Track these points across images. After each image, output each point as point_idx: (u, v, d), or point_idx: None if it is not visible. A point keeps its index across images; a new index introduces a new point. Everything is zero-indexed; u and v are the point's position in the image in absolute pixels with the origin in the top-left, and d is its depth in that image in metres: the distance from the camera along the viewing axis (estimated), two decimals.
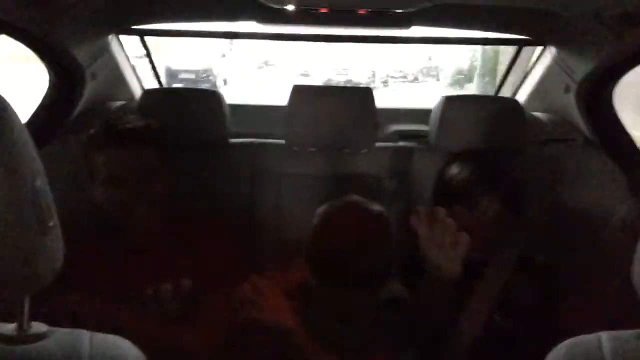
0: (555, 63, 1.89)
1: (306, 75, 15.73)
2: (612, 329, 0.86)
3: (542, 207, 1.64)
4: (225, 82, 14.40)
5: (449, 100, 1.68)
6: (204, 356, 1.28)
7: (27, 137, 0.68)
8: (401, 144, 1.79)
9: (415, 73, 16.65)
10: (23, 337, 0.72)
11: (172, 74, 13.04)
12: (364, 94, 1.69)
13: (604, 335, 0.84)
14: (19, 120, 0.66)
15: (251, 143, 1.74)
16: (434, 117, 1.71)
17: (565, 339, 0.85)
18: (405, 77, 16.47)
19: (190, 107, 1.66)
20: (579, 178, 1.66)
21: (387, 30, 1.93)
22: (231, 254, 1.42)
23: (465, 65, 14.97)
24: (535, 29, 1.79)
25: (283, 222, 1.65)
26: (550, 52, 1.90)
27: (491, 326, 1.39)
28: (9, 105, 0.64)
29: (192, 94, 1.76)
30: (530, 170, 1.67)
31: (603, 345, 0.82)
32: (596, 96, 1.77)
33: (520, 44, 2.02)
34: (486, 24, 1.84)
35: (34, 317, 0.74)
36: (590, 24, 1.49)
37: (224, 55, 15.14)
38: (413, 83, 16.18)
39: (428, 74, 16.78)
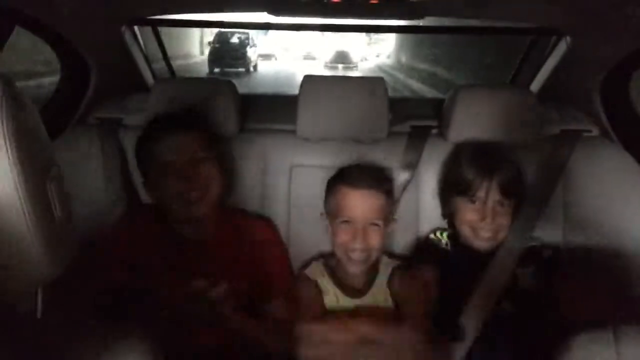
0: (571, 53, 1.86)
1: (313, 58, 25.17)
2: (618, 321, 0.86)
3: (554, 199, 1.62)
4: (255, 67, 18.45)
5: (461, 91, 1.67)
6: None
7: (41, 127, 0.68)
8: (413, 134, 1.77)
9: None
10: (37, 327, 0.73)
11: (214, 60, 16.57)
12: (377, 84, 1.67)
13: (616, 330, 0.83)
14: (35, 110, 0.67)
15: (263, 133, 1.74)
16: (446, 108, 1.69)
17: (571, 330, 0.85)
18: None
19: (202, 97, 1.66)
20: (593, 170, 1.64)
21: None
22: None
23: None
24: (551, 18, 1.77)
25: (293, 213, 1.65)
26: (566, 42, 1.87)
27: (499, 313, 1.40)
28: (24, 95, 0.64)
29: (203, 84, 1.76)
30: (544, 162, 1.65)
31: (615, 339, 0.81)
32: (613, 87, 1.74)
33: (536, 34, 1.99)
34: (501, 13, 1.82)
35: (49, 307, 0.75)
36: (607, 12, 1.47)
37: (254, 45, 18.76)
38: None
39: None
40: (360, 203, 1.35)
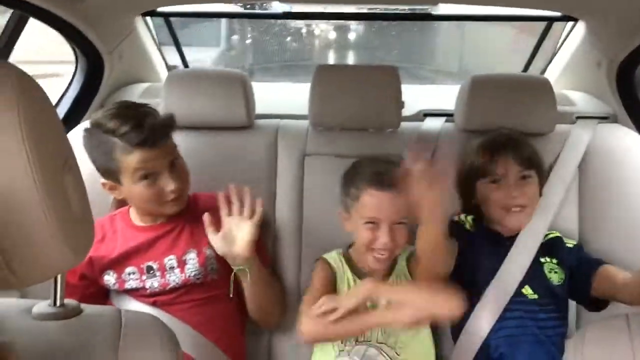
0: (587, 39, 1.83)
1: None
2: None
3: (571, 185, 1.61)
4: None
5: (476, 79, 1.65)
6: None
7: (56, 119, 0.69)
8: (426, 124, 1.76)
9: None
10: (58, 313, 0.75)
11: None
12: (389, 73, 1.67)
13: (630, 313, 0.83)
14: (49, 102, 0.67)
15: (275, 124, 1.74)
16: (460, 96, 1.68)
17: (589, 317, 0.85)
18: None
19: (215, 90, 1.67)
20: (610, 156, 1.62)
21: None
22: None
23: None
24: (566, 4, 1.74)
25: (306, 202, 1.65)
26: (582, 28, 1.85)
27: (520, 298, 1.40)
28: (39, 87, 0.65)
29: (216, 75, 1.76)
30: (560, 149, 1.64)
31: (626, 325, 0.81)
32: (628, 72, 1.72)
33: (551, 20, 1.97)
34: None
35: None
36: None
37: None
38: None
39: None
40: (386, 205, 1.32)
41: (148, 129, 1.29)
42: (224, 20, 4.64)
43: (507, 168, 1.43)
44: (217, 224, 1.40)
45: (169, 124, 1.38)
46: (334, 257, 1.46)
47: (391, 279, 1.41)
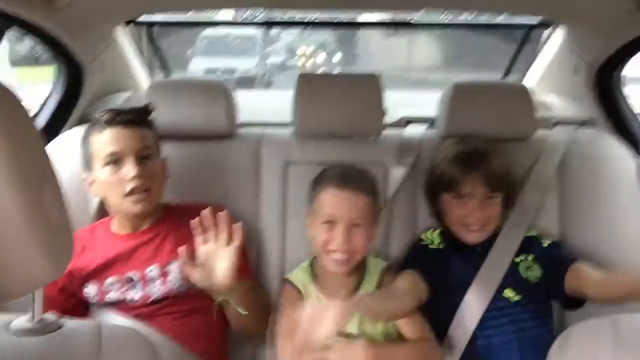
0: (566, 44, 1.86)
1: None
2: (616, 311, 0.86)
3: (550, 190, 1.62)
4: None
5: (457, 86, 1.67)
6: None
7: (35, 130, 0.68)
8: (409, 130, 1.77)
9: None
10: (37, 329, 0.73)
11: None
12: (372, 81, 1.68)
13: (612, 318, 0.83)
14: (27, 114, 0.67)
15: (258, 133, 1.74)
16: (442, 103, 1.70)
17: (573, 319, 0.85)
18: None
19: (196, 99, 1.66)
20: (588, 161, 1.64)
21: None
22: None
23: None
24: (545, 10, 1.77)
25: (289, 212, 1.64)
26: (560, 33, 1.87)
27: (501, 301, 1.41)
28: (17, 98, 0.64)
29: (198, 86, 1.76)
30: (540, 154, 1.66)
31: (610, 328, 0.81)
32: (606, 78, 1.75)
33: (530, 26, 2.00)
34: (497, 5, 1.82)
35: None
36: (601, 4, 1.47)
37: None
38: None
39: None
40: (344, 203, 1.31)
41: (120, 110, 1.40)
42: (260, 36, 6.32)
43: (474, 188, 1.42)
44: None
45: (142, 109, 1.44)
46: (299, 277, 1.42)
47: (360, 293, 1.38)
